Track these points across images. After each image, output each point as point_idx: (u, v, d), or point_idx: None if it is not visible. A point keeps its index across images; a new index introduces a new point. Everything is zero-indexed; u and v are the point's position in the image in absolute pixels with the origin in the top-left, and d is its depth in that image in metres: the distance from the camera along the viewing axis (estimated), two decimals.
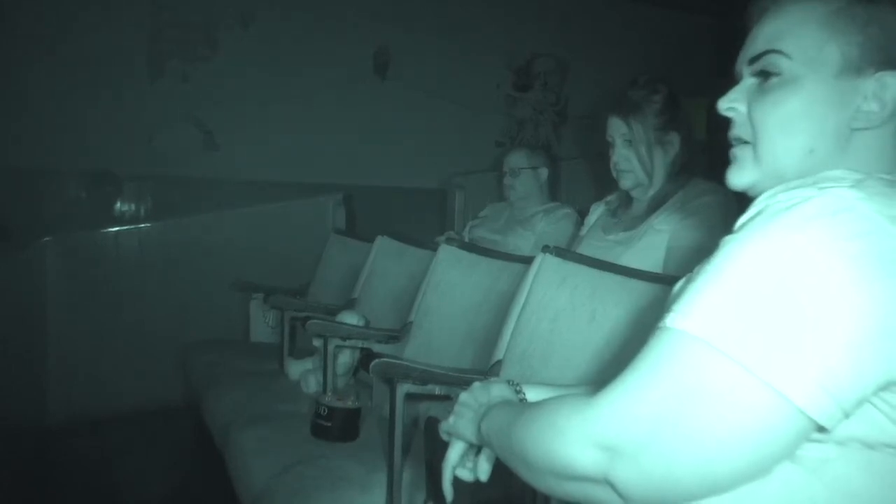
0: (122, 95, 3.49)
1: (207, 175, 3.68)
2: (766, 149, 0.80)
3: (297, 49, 3.84)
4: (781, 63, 0.79)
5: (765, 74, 0.81)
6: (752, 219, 0.68)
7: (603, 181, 2.12)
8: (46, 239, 3.24)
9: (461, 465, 0.95)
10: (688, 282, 0.69)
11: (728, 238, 0.68)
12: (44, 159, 3.34)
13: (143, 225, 3.50)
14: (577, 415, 0.68)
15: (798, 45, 0.78)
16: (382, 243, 2.69)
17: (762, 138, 0.80)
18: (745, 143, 0.83)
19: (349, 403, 1.90)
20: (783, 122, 0.79)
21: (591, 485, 0.68)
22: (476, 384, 0.97)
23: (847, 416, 0.62)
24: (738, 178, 0.83)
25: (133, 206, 3.63)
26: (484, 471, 0.94)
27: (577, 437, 0.67)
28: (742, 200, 0.81)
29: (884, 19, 0.76)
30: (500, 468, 0.88)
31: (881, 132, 0.77)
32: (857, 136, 0.77)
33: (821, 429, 0.63)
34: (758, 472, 0.65)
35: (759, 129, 0.81)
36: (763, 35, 0.81)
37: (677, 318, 0.66)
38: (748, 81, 0.83)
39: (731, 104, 0.84)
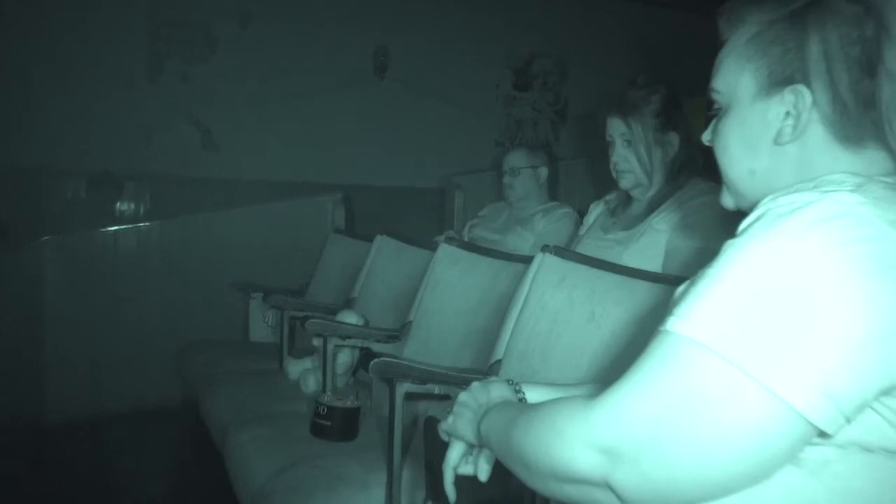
0: (122, 95, 3.49)
1: (206, 175, 3.68)
2: (724, 175, 0.87)
3: (296, 49, 3.84)
4: (717, 98, 0.86)
5: (715, 110, 0.87)
6: (753, 222, 0.68)
7: (602, 181, 2.12)
8: (45, 238, 3.24)
9: (462, 463, 0.95)
10: (689, 286, 0.70)
11: (730, 242, 0.68)
12: (43, 158, 3.34)
13: (141, 224, 3.51)
14: (578, 417, 0.68)
15: (723, 79, 0.84)
16: (382, 243, 2.69)
17: (720, 166, 0.87)
18: None
19: (348, 403, 1.90)
20: (723, 150, 0.85)
21: (591, 488, 0.68)
22: (475, 384, 0.97)
23: (849, 421, 0.62)
24: (724, 201, 0.89)
25: (132, 206, 3.63)
26: (483, 471, 0.94)
27: (577, 440, 0.67)
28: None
29: (784, 38, 0.78)
30: (499, 468, 0.88)
31: (808, 140, 0.78)
32: (790, 148, 0.79)
33: (822, 434, 0.63)
34: (758, 476, 0.65)
35: (717, 159, 0.87)
36: (713, 72, 0.87)
37: (678, 322, 0.66)
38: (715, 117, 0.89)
39: (708, 136, 0.89)
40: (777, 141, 0.79)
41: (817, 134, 0.77)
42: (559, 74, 4.65)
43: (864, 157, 0.76)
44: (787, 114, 0.78)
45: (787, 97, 0.78)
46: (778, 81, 0.78)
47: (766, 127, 0.80)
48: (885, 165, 0.76)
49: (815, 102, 0.76)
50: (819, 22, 0.76)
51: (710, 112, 0.89)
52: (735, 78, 0.82)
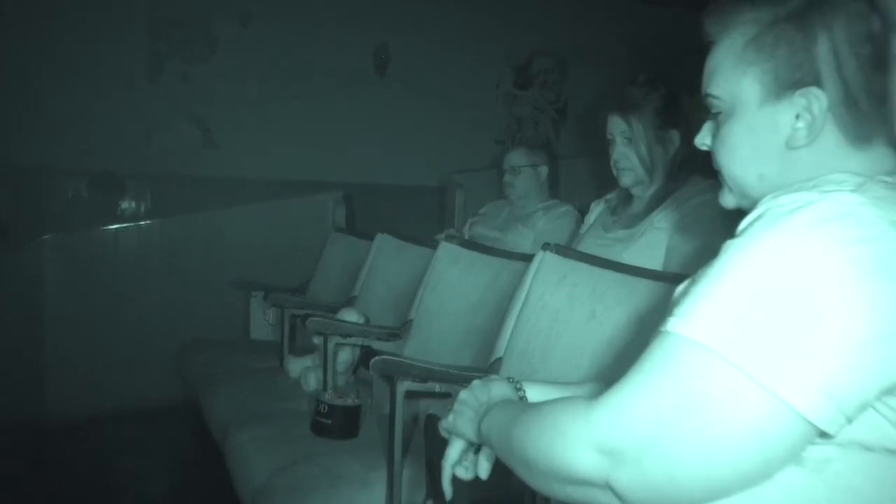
0: (122, 95, 3.48)
1: (207, 173, 3.68)
2: (727, 178, 0.85)
3: (296, 47, 3.84)
4: (716, 104, 0.84)
5: (713, 114, 0.85)
6: (754, 222, 0.68)
7: (603, 179, 2.11)
8: (45, 238, 3.24)
9: (460, 463, 0.95)
10: (690, 285, 0.69)
11: (730, 242, 0.68)
12: (43, 158, 3.33)
13: (142, 223, 3.51)
14: (579, 418, 0.68)
15: (722, 85, 0.82)
16: (382, 241, 2.69)
17: (723, 170, 0.86)
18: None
19: (349, 401, 1.90)
20: (730, 155, 0.83)
21: (591, 488, 0.68)
22: (476, 382, 0.97)
23: (850, 421, 0.62)
24: (725, 201, 0.88)
25: (132, 205, 3.62)
26: (484, 469, 0.94)
27: (578, 441, 0.67)
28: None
29: (790, 40, 0.76)
30: (499, 467, 0.88)
31: (822, 143, 0.77)
32: (802, 151, 0.77)
33: (823, 434, 0.63)
34: (759, 477, 0.65)
35: (718, 163, 0.86)
36: (704, 77, 0.86)
37: (679, 323, 0.66)
38: (709, 118, 0.87)
39: (703, 140, 0.88)
40: (790, 145, 0.78)
41: (830, 135, 0.76)
42: (559, 73, 4.65)
43: (871, 155, 0.76)
44: (797, 117, 0.77)
45: (798, 100, 0.76)
46: (786, 85, 0.77)
47: (775, 132, 0.78)
48: (888, 163, 0.76)
49: (828, 104, 0.75)
50: (825, 21, 0.75)
51: (711, 115, 0.87)
52: (736, 83, 0.81)
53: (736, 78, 0.80)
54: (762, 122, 0.79)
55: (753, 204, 0.74)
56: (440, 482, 0.95)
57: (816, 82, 0.75)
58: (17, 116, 3.22)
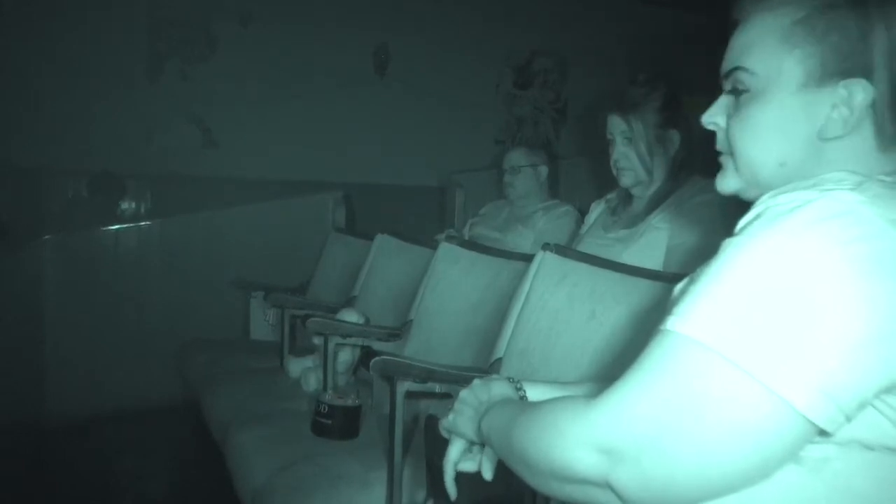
0: (122, 95, 3.48)
1: (207, 173, 3.68)
2: (742, 162, 0.82)
3: (295, 47, 3.84)
4: (747, 80, 0.79)
5: (736, 90, 0.81)
6: (752, 221, 0.67)
7: (603, 179, 2.11)
8: (45, 238, 3.24)
9: (463, 460, 0.95)
10: (689, 284, 0.69)
11: (729, 241, 0.68)
12: (43, 158, 3.33)
13: (142, 223, 3.51)
14: (578, 417, 0.68)
15: (760, 61, 0.78)
16: (382, 241, 2.70)
17: (738, 152, 0.82)
18: (728, 153, 0.84)
19: (349, 401, 1.90)
20: (753, 137, 0.80)
21: (591, 488, 0.68)
22: (476, 382, 0.97)
23: (849, 419, 0.62)
24: (724, 185, 0.85)
25: (132, 205, 3.62)
26: (487, 469, 0.94)
27: (577, 440, 0.67)
28: (742, 199, 0.82)
29: (844, 27, 0.74)
30: (500, 467, 0.88)
31: (853, 140, 0.76)
32: (831, 144, 0.76)
33: (822, 432, 0.63)
34: (759, 476, 0.65)
35: (734, 145, 0.82)
36: (732, 51, 0.82)
37: (678, 322, 0.65)
38: (725, 96, 0.84)
39: (712, 118, 0.85)
40: (822, 135, 0.76)
41: (863, 131, 0.75)
42: (559, 73, 4.65)
43: (892, 157, 0.75)
44: (833, 107, 0.75)
45: (841, 91, 0.74)
46: (832, 73, 0.74)
47: (809, 119, 0.76)
48: None
49: (872, 99, 0.73)
50: (884, 13, 0.72)
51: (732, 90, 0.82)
52: (777, 61, 0.77)
53: (779, 55, 0.77)
54: (797, 107, 0.76)
55: (758, 194, 0.72)
56: (441, 482, 0.95)
57: (866, 75, 0.73)
58: (17, 116, 3.22)
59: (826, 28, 0.74)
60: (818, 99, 0.75)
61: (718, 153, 0.86)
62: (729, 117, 0.83)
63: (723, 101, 0.84)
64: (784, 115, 0.77)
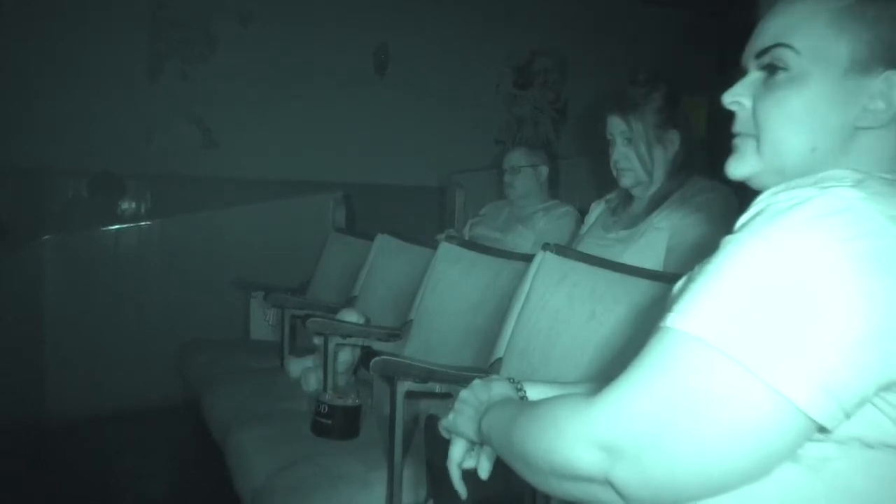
0: (122, 95, 3.48)
1: (207, 173, 3.67)
2: (768, 145, 0.79)
3: (296, 47, 3.84)
4: (789, 58, 0.77)
5: (772, 69, 0.79)
6: (752, 218, 0.67)
7: (603, 179, 2.12)
8: (45, 238, 3.23)
9: (465, 459, 0.95)
10: (688, 281, 0.69)
11: (728, 238, 0.68)
12: (43, 158, 3.33)
13: (142, 223, 3.50)
14: (578, 415, 0.68)
15: (806, 40, 0.76)
16: (382, 241, 2.70)
17: (765, 134, 0.79)
18: (748, 135, 0.82)
19: (349, 401, 1.90)
20: (787, 119, 0.78)
21: (591, 485, 0.68)
22: (476, 381, 0.97)
23: (848, 416, 0.62)
24: (738, 168, 0.82)
25: (132, 205, 3.62)
26: (484, 468, 0.94)
27: (577, 438, 0.67)
28: (742, 198, 0.81)
29: (894, 17, 0.74)
30: (500, 466, 0.88)
31: (885, 132, 0.76)
32: (861, 135, 0.76)
33: (822, 429, 0.63)
34: (759, 472, 0.65)
35: (762, 125, 0.79)
36: (771, 29, 0.80)
37: (678, 319, 0.65)
38: (754, 75, 0.82)
39: (736, 98, 0.82)
40: (857, 124, 0.75)
41: (894, 127, 0.75)
42: (560, 73, 4.64)
43: None
44: (871, 98, 0.75)
45: (881, 83, 0.74)
46: (879, 60, 0.74)
47: (847, 107, 0.75)
48: None
49: None
50: None
51: (765, 67, 0.79)
52: (826, 43, 0.75)
53: (827, 38, 0.75)
54: (838, 93, 0.75)
55: (772, 181, 0.71)
56: (440, 482, 0.95)
57: None
58: (17, 116, 3.22)
59: (877, 16, 0.74)
60: (859, 88, 0.75)
61: (733, 135, 0.83)
62: (755, 98, 0.81)
63: (750, 80, 0.82)
64: (823, 100, 0.76)
